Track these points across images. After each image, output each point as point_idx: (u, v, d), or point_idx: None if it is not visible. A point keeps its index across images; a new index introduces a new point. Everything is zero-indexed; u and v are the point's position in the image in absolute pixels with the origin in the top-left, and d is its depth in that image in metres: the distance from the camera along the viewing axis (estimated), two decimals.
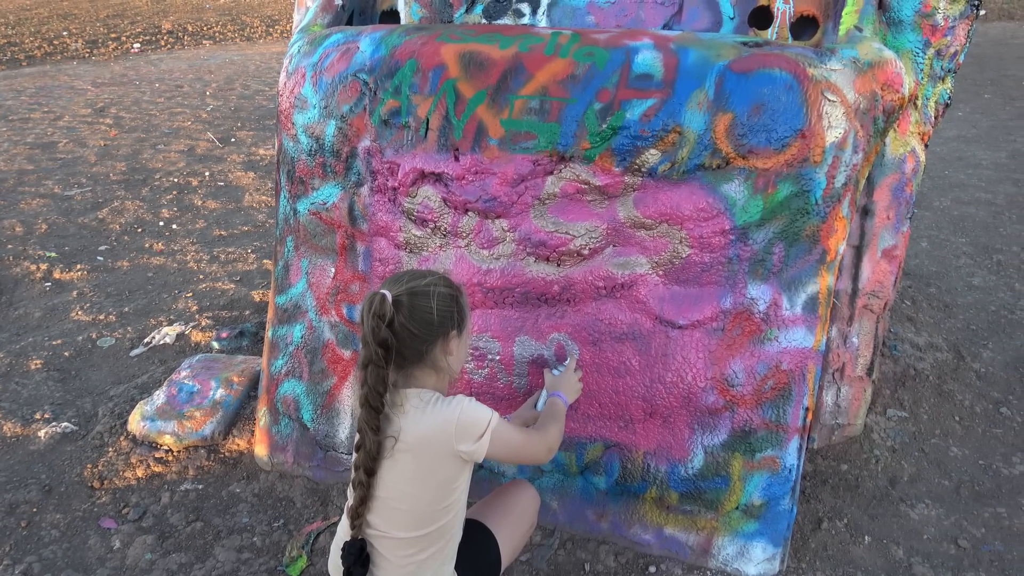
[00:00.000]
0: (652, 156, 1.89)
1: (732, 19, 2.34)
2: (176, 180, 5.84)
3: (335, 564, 1.61)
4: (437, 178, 2.03)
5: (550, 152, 1.93)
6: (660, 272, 2.00)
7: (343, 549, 1.57)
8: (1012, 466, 2.56)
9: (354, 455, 1.56)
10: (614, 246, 2.00)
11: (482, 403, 1.57)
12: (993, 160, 6.04)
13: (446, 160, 2.01)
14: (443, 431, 1.52)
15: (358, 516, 1.55)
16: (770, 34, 2.29)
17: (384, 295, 1.50)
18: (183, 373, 2.88)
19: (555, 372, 2.00)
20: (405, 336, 1.50)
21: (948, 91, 2.34)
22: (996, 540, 2.24)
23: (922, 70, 2.20)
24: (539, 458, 1.70)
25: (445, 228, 2.09)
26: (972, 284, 3.91)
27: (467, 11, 2.58)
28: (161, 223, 5.00)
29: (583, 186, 1.94)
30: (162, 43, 12.66)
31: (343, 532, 1.63)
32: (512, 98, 1.94)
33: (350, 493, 1.58)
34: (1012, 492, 2.44)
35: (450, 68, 2.00)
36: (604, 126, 1.88)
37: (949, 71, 2.29)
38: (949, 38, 2.20)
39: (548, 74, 1.93)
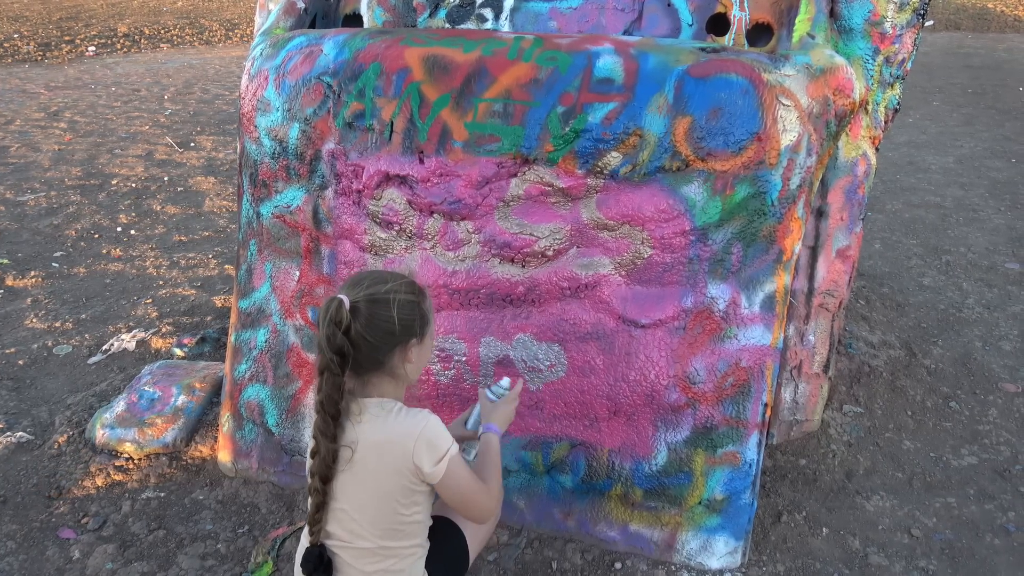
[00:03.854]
0: (614, 158, 1.92)
1: (690, 26, 2.40)
2: (134, 185, 5.72)
3: (300, 572, 1.60)
4: (402, 180, 2.04)
5: (514, 155, 1.95)
6: (623, 272, 2.03)
7: (302, 556, 1.54)
8: (961, 458, 2.65)
9: (308, 461, 1.50)
10: (578, 247, 2.03)
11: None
12: (941, 165, 6.25)
13: (411, 162, 2.02)
14: (403, 443, 1.46)
15: (316, 523, 1.51)
16: (727, 40, 2.35)
17: (341, 300, 1.42)
18: (144, 380, 2.84)
19: (491, 396, 1.72)
20: (362, 344, 1.44)
21: (897, 97, 2.43)
22: (947, 529, 2.33)
23: (872, 76, 2.29)
24: (488, 513, 1.57)
25: (410, 230, 2.10)
26: (923, 284, 4.04)
27: (430, 16, 2.59)
28: (119, 229, 4.90)
29: (547, 188, 1.97)
30: (118, 46, 12.40)
31: (305, 539, 1.62)
32: (476, 101, 1.96)
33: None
34: (961, 483, 2.53)
35: (414, 71, 2.01)
36: (567, 129, 1.91)
37: (898, 77, 2.37)
38: (897, 46, 2.29)
39: (511, 78, 1.96)
